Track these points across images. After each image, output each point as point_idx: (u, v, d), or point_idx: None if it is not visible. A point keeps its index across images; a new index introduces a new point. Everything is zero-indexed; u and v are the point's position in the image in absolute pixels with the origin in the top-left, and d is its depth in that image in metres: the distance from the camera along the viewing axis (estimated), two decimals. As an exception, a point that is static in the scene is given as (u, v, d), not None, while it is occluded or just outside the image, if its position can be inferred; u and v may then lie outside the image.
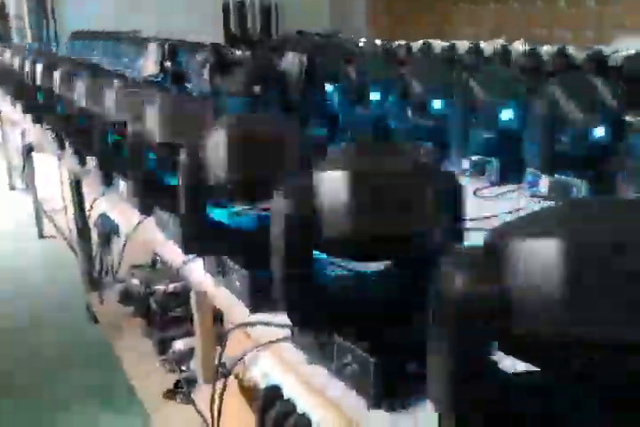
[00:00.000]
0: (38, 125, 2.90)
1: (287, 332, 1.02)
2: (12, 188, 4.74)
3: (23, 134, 3.30)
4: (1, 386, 2.40)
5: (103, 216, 2.02)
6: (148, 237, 1.67)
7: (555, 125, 1.60)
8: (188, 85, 3.11)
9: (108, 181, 1.98)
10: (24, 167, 3.27)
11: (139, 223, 1.67)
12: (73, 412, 2.20)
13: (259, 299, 1.13)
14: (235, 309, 1.20)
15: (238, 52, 2.66)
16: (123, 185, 1.82)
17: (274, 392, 1.00)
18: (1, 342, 2.72)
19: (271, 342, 1.03)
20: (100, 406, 2.20)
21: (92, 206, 1.96)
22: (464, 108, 1.85)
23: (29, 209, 3.84)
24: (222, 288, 1.25)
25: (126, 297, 2.47)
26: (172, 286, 2.08)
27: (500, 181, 1.86)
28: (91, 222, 2.08)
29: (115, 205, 1.91)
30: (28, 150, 3.09)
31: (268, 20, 9.40)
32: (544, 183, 1.74)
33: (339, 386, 0.89)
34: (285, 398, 0.97)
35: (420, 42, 5.24)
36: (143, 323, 2.27)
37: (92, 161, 2.10)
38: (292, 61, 2.41)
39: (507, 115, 1.80)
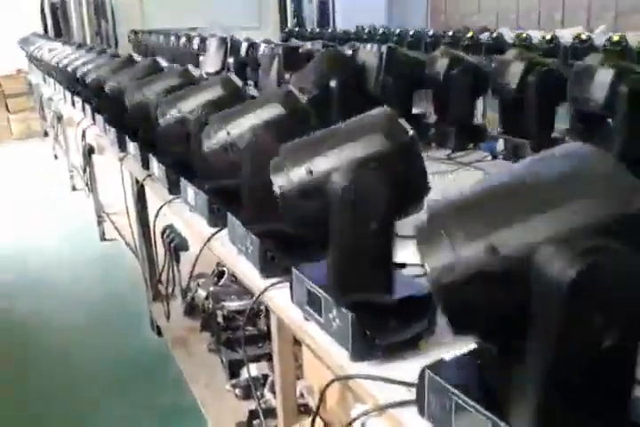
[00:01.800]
0: (99, 126, 2.78)
1: (410, 393, 0.81)
2: (74, 188, 4.71)
3: (83, 134, 3.19)
4: (54, 399, 2.28)
5: (170, 228, 1.85)
6: (219, 251, 1.49)
7: None
8: (250, 83, 2.93)
9: (174, 189, 1.81)
10: (85, 169, 3.17)
11: (209, 239, 1.48)
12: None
13: (364, 346, 0.92)
14: (331, 352, 0.99)
15: (309, 45, 2.46)
16: (192, 194, 1.64)
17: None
18: (58, 351, 2.62)
19: (391, 405, 0.81)
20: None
21: (156, 215, 1.79)
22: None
23: (91, 211, 3.77)
24: (314, 326, 1.04)
25: (192, 310, 2.31)
26: (242, 303, 1.89)
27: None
28: (156, 229, 1.91)
29: (181, 214, 1.73)
30: (89, 151, 2.98)
31: (324, 15, 9.18)
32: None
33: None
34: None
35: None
36: (211, 339, 2.10)
37: (156, 165, 1.94)
38: (370, 53, 2.17)
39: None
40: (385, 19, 9.66)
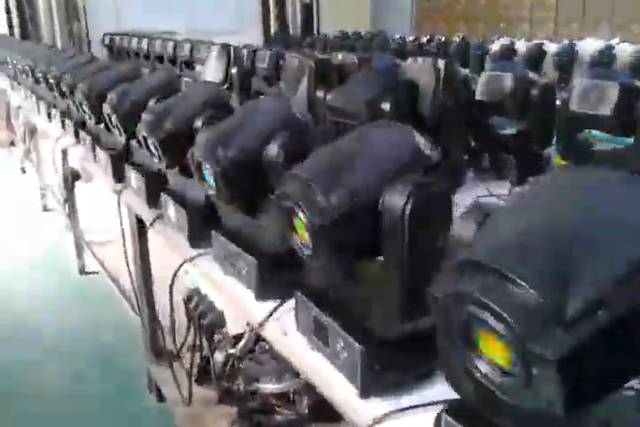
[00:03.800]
0: (85, 147, 2.36)
1: None
2: (45, 208, 4.22)
3: (65, 154, 2.75)
4: None
5: (197, 295, 1.44)
6: (279, 343, 1.10)
7: None
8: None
9: (197, 242, 1.41)
10: (66, 199, 2.72)
11: (262, 323, 1.09)
12: None
13: None
14: None
15: (339, 56, 2.10)
16: (228, 251, 1.24)
17: None
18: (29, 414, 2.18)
19: None
20: None
21: (175, 275, 1.39)
22: None
23: (67, 236, 3.31)
24: None
25: (206, 374, 1.91)
26: (281, 386, 1.50)
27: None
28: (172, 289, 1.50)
29: (210, 274, 1.34)
30: (72, 178, 2.54)
31: (308, 19, 8.82)
32: None
33: None
34: None
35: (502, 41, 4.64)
36: (236, 422, 1.70)
37: (172, 206, 1.54)
38: (422, 68, 1.82)
39: None
40: (370, 24, 9.40)
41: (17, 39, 6.30)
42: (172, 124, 1.28)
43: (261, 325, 1.10)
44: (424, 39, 6.15)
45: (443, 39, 6.03)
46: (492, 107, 1.89)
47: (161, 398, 2.12)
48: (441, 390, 0.87)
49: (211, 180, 1.13)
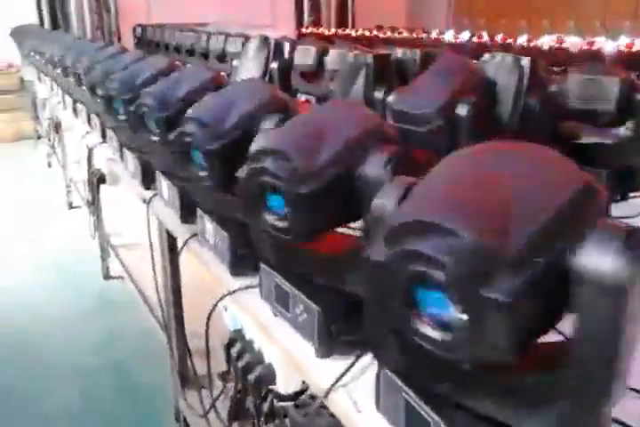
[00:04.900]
0: (111, 146, 2.15)
1: None
2: (71, 206, 4.05)
3: (90, 153, 2.55)
4: None
5: (241, 341, 1.18)
6: (346, 417, 0.86)
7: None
8: (307, 98, 2.30)
9: (239, 270, 1.18)
10: (92, 202, 2.52)
11: (329, 391, 0.85)
12: None
13: None
14: None
15: (399, 51, 1.85)
16: (280, 289, 1.01)
17: None
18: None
19: None
20: None
21: (211, 313, 1.16)
22: None
23: (94, 241, 3.12)
24: None
25: (241, 407, 1.67)
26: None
27: None
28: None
29: (255, 312, 1.10)
30: (97, 181, 2.35)
31: (343, 14, 8.54)
32: None
33: None
34: None
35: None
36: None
37: (208, 223, 1.31)
38: (503, 66, 1.56)
39: None
40: (405, 19, 9.10)
41: (47, 29, 6.16)
42: (226, 131, 1.03)
43: (326, 394, 0.86)
44: (466, 35, 5.83)
45: (485, 36, 5.69)
46: (583, 114, 1.63)
47: (188, 430, 1.91)
48: None
49: (280, 207, 0.86)
